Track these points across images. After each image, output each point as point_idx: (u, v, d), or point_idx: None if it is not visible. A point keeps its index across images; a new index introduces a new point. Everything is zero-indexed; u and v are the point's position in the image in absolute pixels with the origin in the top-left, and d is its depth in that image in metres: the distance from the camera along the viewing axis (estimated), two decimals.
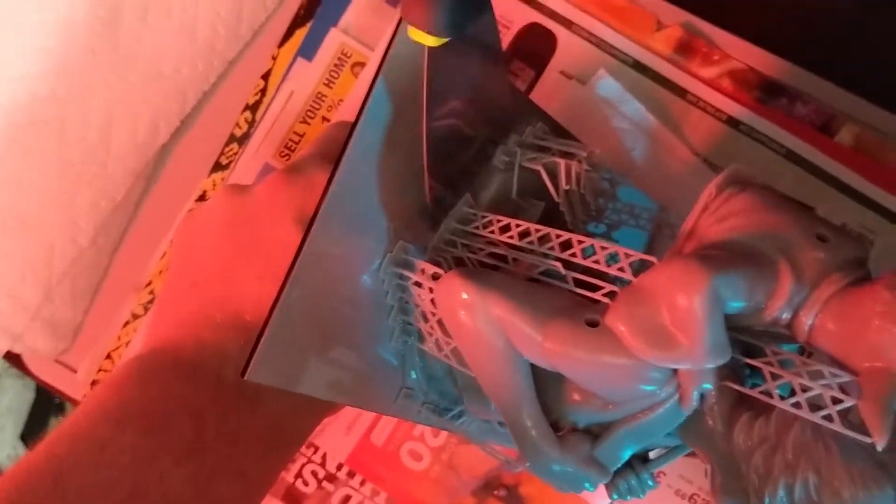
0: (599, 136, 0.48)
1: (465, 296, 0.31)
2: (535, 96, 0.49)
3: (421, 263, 0.33)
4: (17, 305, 0.49)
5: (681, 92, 0.49)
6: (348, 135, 0.31)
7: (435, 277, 0.33)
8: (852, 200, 0.48)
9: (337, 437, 0.50)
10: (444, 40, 0.30)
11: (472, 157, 0.36)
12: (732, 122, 0.48)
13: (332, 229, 0.32)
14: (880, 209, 0.47)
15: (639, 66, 0.49)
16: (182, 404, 0.34)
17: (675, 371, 0.29)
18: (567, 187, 0.35)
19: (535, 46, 0.50)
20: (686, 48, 0.49)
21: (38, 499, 0.31)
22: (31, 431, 1.62)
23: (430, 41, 0.30)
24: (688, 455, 0.37)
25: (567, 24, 0.49)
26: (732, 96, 0.49)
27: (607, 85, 0.49)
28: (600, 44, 0.49)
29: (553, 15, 0.50)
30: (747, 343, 0.30)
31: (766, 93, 0.48)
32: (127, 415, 0.33)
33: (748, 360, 0.29)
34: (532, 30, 0.50)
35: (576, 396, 0.32)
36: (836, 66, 0.48)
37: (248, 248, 0.37)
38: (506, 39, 0.50)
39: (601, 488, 0.34)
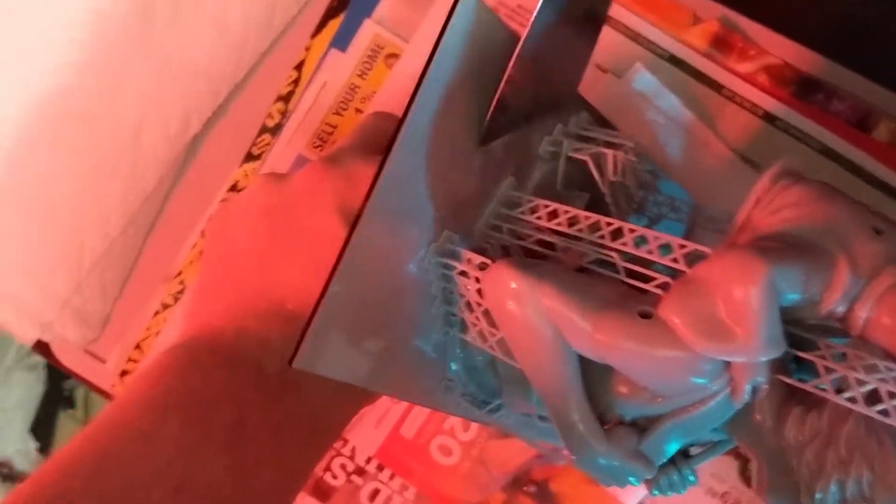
0: (635, 130, 0.48)
1: (513, 286, 0.31)
2: None
3: (467, 253, 0.33)
4: (47, 295, 0.48)
5: (717, 87, 0.48)
6: (397, 128, 0.31)
7: (482, 267, 0.32)
8: (888, 197, 0.47)
9: (367, 430, 0.50)
10: None
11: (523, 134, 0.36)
12: (768, 118, 0.48)
13: (378, 222, 0.31)
14: None
15: (675, 61, 0.49)
16: (224, 394, 0.34)
17: (727, 364, 0.29)
18: (614, 179, 0.35)
19: None
20: (722, 43, 0.49)
21: (82, 486, 0.30)
22: (41, 425, 1.62)
23: None
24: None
25: None
26: (769, 92, 0.48)
27: (643, 79, 0.48)
28: (636, 38, 0.49)
29: None
30: (799, 336, 0.30)
31: (803, 88, 0.48)
32: (169, 405, 0.33)
33: (802, 355, 0.29)
34: None
35: (623, 389, 0.32)
36: (873, 62, 0.48)
37: (287, 238, 0.37)
38: None
39: (629, 486, 0.34)
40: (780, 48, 0.48)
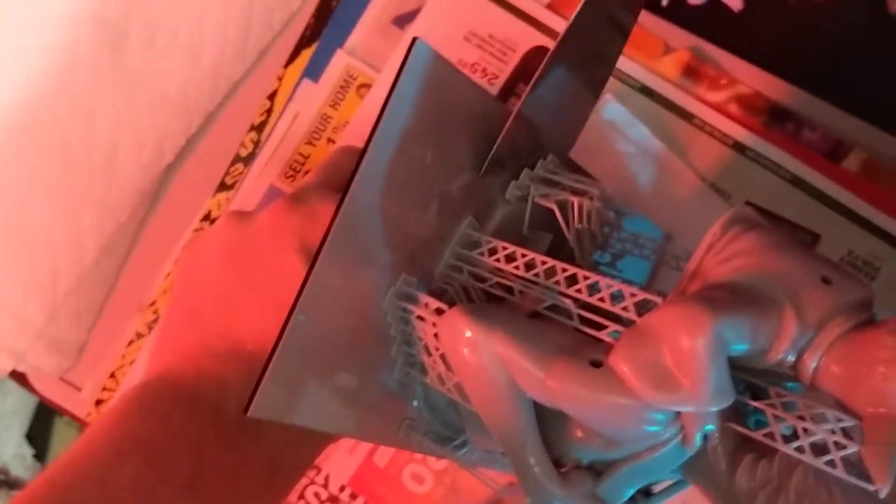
0: (605, 160, 0.48)
1: (468, 333, 0.31)
2: None
3: (424, 297, 0.33)
4: (20, 325, 0.49)
5: (688, 116, 0.49)
6: (356, 166, 0.31)
7: (439, 312, 0.33)
8: (859, 227, 0.47)
9: (340, 458, 0.50)
10: None
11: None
12: (739, 147, 0.48)
13: (337, 261, 0.32)
14: (887, 236, 0.47)
15: (646, 91, 0.49)
16: (182, 436, 0.34)
17: (678, 412, 0.29)
18: (579, 226, 0.35)
19: None
20: (693, 72, 0.49)
21: None
22: (37, 431, 1.62)
23: None
24: None
25: None
26: (739, 121, 0.48)
27: (614, 109, 0.48)
28: None
29: None
30: (750, 382, 0.30)
31: (774, 118, 0.48)
32: (128, 445, 0.33)
33: (752, 403, 0.29)
34: (538, 53, 0.50)
35: (579, 434, 0.32)
36: (844, 92, 0.48)
37: (249, 278, 0.37)
38: (511, 62, 0.50)
39: None
40: (751, 77, 0.49)
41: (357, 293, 0.33)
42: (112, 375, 0.51)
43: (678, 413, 0.29)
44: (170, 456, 0.33)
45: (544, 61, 0.33)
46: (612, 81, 0.49)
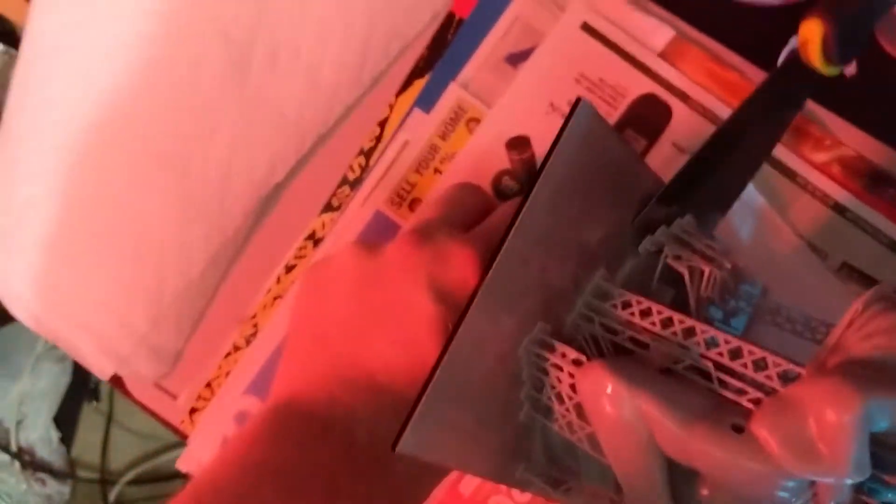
0: None
1: (610, 388, 0.32)
2: None
3: (561, 346, 0.34)
4: (125, 330, 0.50)
5: (791, 174, 0.49)
6: (512, 219, 0.32)
7: (576, 363, 0.34)
8: None
9: None
10: (837, 71, 0.37)
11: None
12: (839, 209, 0.49)
13: (485, 309, 0.33)
14: None
15: None
16: (315, 464, 0.35)
17: (812, 482, 0.30)
18: (705, 294, 0.36)
19: (650, 116, 0.51)
20: (799, 131, 0.50)
21: None
22: (65, 415, 1.63)
23: (826, 69, 0.37)
24: None
25: (683, 97, 0.50)
26: (841, 182, 0.49)
27: None
28: (715, 119, 0.50)
29: (670, 87, 0.50)
30: (881, 456, 0.31)
31: (875, 182, 0.49)
32: (264, 471, 0.34)
33: (887, 478, 0.30)
34: (647, 100, 0.51)
35: (705, 492, 0.33)
36: None
37: (378, 311, 0.38)
38: (620, 107, 0.51)
39: None
40: (856, 140, 0.50)
41: (497, 338, 0.34)
42: (208, 385, 0.52)
43: (812, 482, 0.30)
44: (304, 484, 0.34)
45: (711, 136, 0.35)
46: None
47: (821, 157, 0.50)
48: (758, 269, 0.48)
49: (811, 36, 0.38)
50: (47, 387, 1.51)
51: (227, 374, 0.52)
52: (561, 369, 0.34)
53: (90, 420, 1.53)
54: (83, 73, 0.48)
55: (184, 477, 0.52)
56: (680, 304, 0.39)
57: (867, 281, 0.49)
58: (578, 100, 0.32)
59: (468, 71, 0.52)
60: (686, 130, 0.50)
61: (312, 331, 0.39)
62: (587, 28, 0.51)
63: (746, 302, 0.43)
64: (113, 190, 0.49)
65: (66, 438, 1.52)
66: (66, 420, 1.53)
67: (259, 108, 0.50)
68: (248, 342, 0.51)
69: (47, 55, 0.49)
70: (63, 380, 1.53)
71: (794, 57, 0.39)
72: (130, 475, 1.45)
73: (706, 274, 0.36)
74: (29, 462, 1.48)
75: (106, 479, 1.48)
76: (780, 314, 0.42)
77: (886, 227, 0.49)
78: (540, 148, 0.51)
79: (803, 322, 0.39)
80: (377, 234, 0.51)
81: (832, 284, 0.49)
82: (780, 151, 0.49)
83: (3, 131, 0.51)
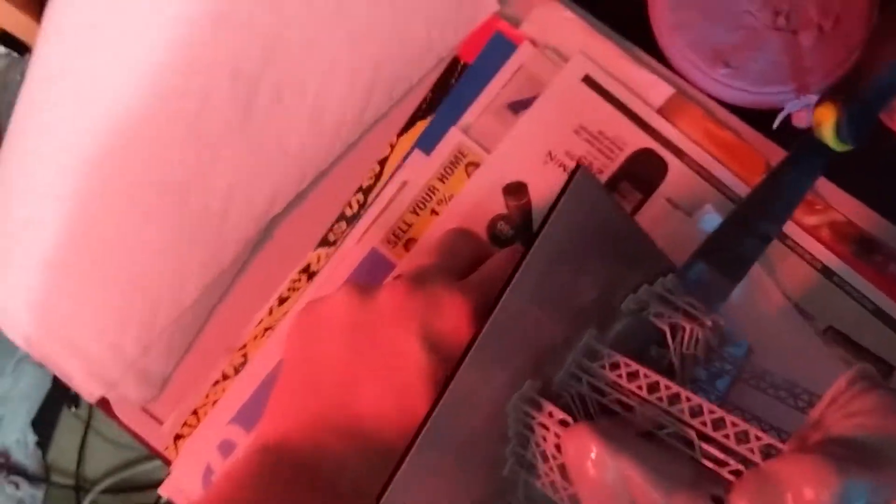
0: None
1: (594, 453, 0.32)
2: (640, 220, 0.51)
3: (548, 405, 0.35)
4: (116, 356, 0.50)
5: (781, 235, 0.50)
6: (509, 277, 0.33)
7: (563, 424, 0.34)
8: None
9: None
10: (848, 147, 0.41)
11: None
12: (827, 272, 0.50)
13: (477, 365, 0.33)
14: None
15: None
16: None
17: None
18: (686, 351, 0.37)
19: (646, 171, 0.51)
20: None
21: None
22: (43, 419, 1.61)
23: (839, 147, 0.41)
24: None
25: (679, 153, 0.51)
26: (830, 247, 0.50)
27: (712, 220, 0.50)
28: (709, 178, 0.51)
29: (667, 143, 0.51)
30: None
31: (863, 248, 0.50)
32: None
33: None
34: (644, 154, 0.51)
35: None
36: None
37: (369, 356, 0.39)
38: (617, 160, 0.51)
39: None
40: (846, 206, 0.50)
41: (487, 394, 0.35)
42: (194, 412, 0.52)
43: None
44: None
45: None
46: (712, 191, 0.51)
47: (811, 220, 0.51)
48: (745, 328, 0.49)
49: (824, 119, 0.40)
50: (27, 389, 1.50)
51: (214, 402, 0.52)
52: (547, 429, 0.35)
53: (68, 425, 1.52)
54: (89, 98, 0.49)
55: (157, 486, 0.52)
56: (664, 361, 0.40)
57: (851, 345, 0.50)
58: (578, 165, 0.33)
59: (470, 115, 0.52)
60: (680, 187, 0.51)
61: (304, 373, 0.40)
62: (588, 81, 0.52)
63: (731, 364, 0.44)
64: (112, 215, 0.49)
65: (43, 442, 1.51)
66: (44, 424, 1.52)
67: (262, 142, 0.50)
68: (236, 372, 0.52)
69: (54, 79, 0.50)
70: (44, 383, 1.52)
71: (811, 136, 0.42)
72: (105, 483, 1.44)
73: (687, 331, 0.36)
74: (3, 464, 1.47)
75: (80, 486, 1.47)
76: (765, 380, 0.43)
77: (872, 293, 0.50)
78: (536, 195, 0.52)
79: (787, 389, 0.39)
80: (371, 272, 0.52)
81: (817, 347, 0.49)
82: None
83: (5, 150, 0.52)
